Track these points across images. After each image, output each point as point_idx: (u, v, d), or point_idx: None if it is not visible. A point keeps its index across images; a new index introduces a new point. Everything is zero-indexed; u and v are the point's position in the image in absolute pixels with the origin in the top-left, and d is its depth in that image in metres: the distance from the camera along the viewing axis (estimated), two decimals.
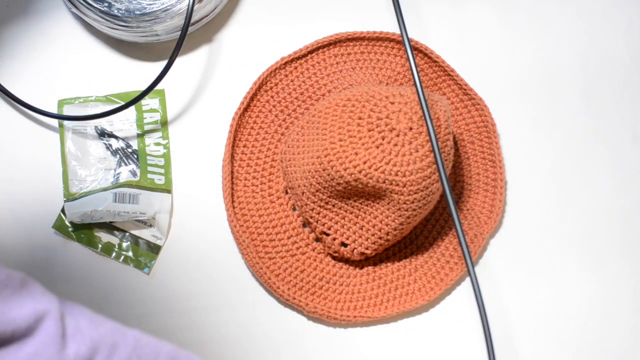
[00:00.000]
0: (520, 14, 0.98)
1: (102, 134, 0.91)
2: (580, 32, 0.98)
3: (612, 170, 0.94)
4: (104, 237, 0.89)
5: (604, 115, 0.96)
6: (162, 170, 0.90)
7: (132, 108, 0.92)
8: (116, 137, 0.91)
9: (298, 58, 0.93)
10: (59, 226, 0.88)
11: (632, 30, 0.98)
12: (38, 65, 0.93)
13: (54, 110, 0.92)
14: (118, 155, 0.90)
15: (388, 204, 0.82)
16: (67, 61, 0.94)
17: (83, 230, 0.88)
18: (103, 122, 0.91)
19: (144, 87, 0.90)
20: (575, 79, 0.97)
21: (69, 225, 0.88)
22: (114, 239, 0.89)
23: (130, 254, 0.88)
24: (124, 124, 0.91)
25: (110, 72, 0.93)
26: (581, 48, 0.98)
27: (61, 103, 0.91)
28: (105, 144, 0.91)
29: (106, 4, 0.88)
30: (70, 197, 0.88)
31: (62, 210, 0.88)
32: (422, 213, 0.84)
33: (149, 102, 0.92)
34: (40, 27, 0.94)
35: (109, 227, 0.89)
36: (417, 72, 0.77)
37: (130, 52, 0.94)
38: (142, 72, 0.93)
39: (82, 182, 0.89)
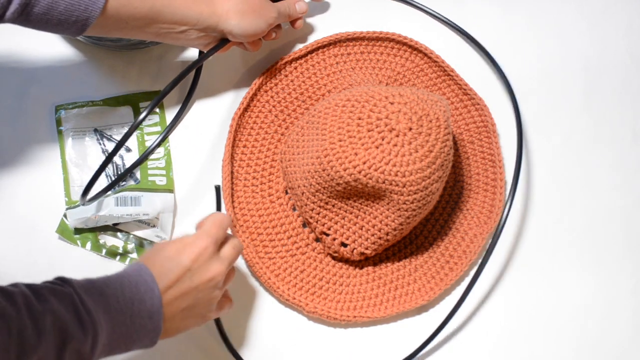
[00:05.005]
0: (520, 14, 0.98)
1: (102, 138, 0.91)
2: (581, 32, 0.98)
3: (612, 170, 0.94)
4: (108, 240, 0.88)
5: (604, 115, 0.96)
6: (164, 172, 0.90)
7: (130, 111, 0.92)
8: (114, 141, 0.91)
9: (298, 58, 0.93)
10: (62, 231, 0.88)
11: (632, 30, 0.98)
12: (34, 71, 0.93)
13: (52, 116, 0.91)
14: (115, 162, 0.90)
15: (388, 204, 0.82)
16: (61, 67, 0.93)
17: (87, 235, 0.88)
18: (102, 126, 0.91)
19: (139, 90, 0.92)
20: (575, 79, 0.97)
21: (72, 230, 0.88)
22: (118, 242, 0.88)
23: (135, 255, 0.88)
24: (123, 127, 0.91)
25: (105, 77, 0.93)
26: (582, 48, 0.98)
27: (58, 108, 0.91)
28: (103, 149, 0.91)
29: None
30: (72, 204, 0.88)
31: (65, 216, 0.88)
32: (421, 213, 0.84)
33: (146, 104, 0.92)
34: (35, 33, 0.94)
35: (113, 229, 0.89)
36: None
37: (123, 56, 0.94)
38: (138, 74, 0.93)
39: (83, 187, 0.89)
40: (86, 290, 0.65)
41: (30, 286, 0.63)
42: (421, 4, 0.97)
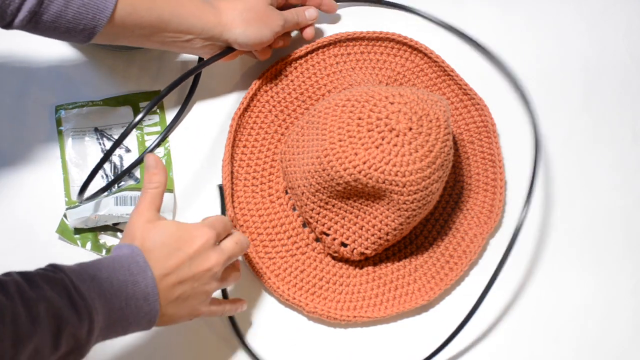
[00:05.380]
0: (519, 14, 0.99)
1: (102, 137, 0.91)
2: (580, 32, 0.98)
3: (612, 170, 0.94)
4: (108, 240, 0.88)
5: (604, 115, 0.96)
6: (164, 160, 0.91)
7: (130, 111, 0.92)
8: (114, 141, 0.91)
9: (298, 58, 0.93)
10: (63, 231, 0.88)
11: (632, 30, 0.98)
12: (34, 71, 0.93)
13: (52, 117, 0.91)
14: (114, 162, 0.90)
15: (388, 204, 0.82)
16: (61, 67, 0.93)
17: (87, 235, 0.88)
18: (102, 126, 0.91)
19: (139, 89, 0.92)
20: (575, 79, 0.97)
21: (72, 230, 0.88)
22: (117, 242, 0.88)
23: None
24: (123, 127, 0.91)
25: (105, 77, 0.93)
26: (581, 48, 0.98)
27: (58, 108, 0.91)
28: (103, 149, 0.91)
29: None
30: (72, 204, 0.88)
31: (65, 216, 0.88)
32: (421, 213, 0.84)
33: (146, 104, 0.92)
34: (30, 36, 0.94)
35: (113, 229, 0.89)
36: None
37: (123, 56, 0.94)
38: (138, 74, 0.93)
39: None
40: (78, 275, 0.65)
41: (22, 274, 0.63)
42: (420, 10, 0.96)
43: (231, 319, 0.85)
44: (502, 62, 0.94)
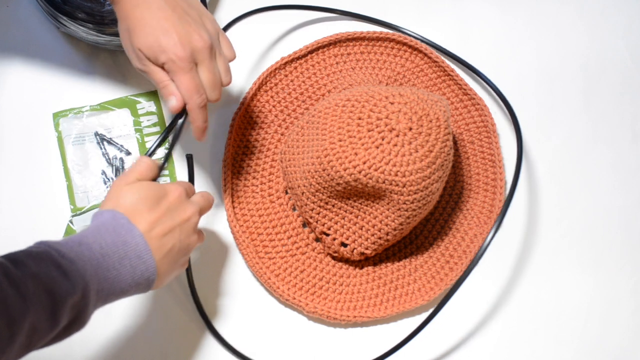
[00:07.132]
0: (519, 14, 0.99)
1: (102, 141, 0.91)
2: (580, 31, 0.98)
3: (612, 170, 0.94)
4: None
5: (604, 114, 0.96)
6: (167, 172, 0.90)
7: (128, 113, 0.91)
8: (115, 144, 0.91)
9: (298, 58, 0.93)
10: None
11: (632, 30, 0.98)
12: (29, 81, 0.93)
13: (49, 124, 0.91)
14: (115, 165, 0.90)
15: (388, 204, 0.82)
16: (56, 74, 0.93)
17: None
18: (101, 130, 0.91)
19: (138, 91, 0.92)
20: (575, 79, 0.97)
21: None
22: None
23: None
24: (121, 129, 0.91)
25: (103, 79, 0.93)
26: (581, 48, 0.98)
27: (56, 115, 0.91)
28: (104, 153, 0.90)
29: (98, 17, 0.89)
30: (77, 211, 0.88)
31: (72, 222, 0.88)
32: (421, 213, 0.84)
33: (144, 106, 0.92)
34: (26, 42, 0.94)
35: None
36: None
37: (116, 59, 0.94)
38: (137, 75, 0.93)
39: (87, 193, 0.89)
40: (64, 244, 0.65)
41: (6, 256, 0.62)
42: (415, 34, 0.95)
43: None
44: (484, 77, 0.94)
